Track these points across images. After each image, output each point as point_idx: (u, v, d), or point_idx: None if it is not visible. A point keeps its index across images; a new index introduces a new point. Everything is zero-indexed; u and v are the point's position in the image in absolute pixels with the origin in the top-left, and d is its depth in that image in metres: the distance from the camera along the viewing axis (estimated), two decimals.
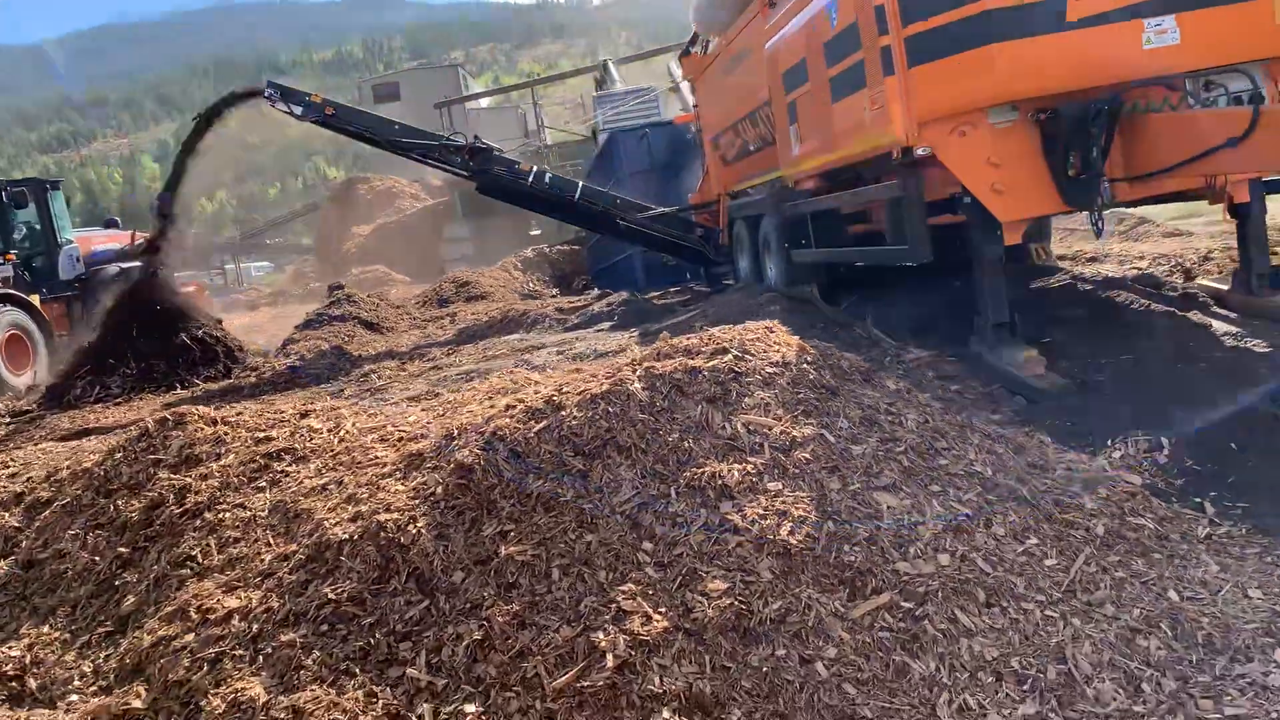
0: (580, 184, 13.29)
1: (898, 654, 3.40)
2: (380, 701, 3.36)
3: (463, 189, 40.49)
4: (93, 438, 8.28)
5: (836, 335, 7.35)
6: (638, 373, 4.32)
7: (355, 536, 3.93)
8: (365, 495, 4.19)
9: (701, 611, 3.46)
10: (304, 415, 5.43)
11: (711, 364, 4.32)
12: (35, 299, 15.09)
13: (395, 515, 3.94)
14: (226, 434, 5.21)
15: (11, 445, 9.02)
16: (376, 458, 4.57)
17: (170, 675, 3.72)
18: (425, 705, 3.34)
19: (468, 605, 3.63)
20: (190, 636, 3.87)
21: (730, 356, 4.37)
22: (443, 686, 3.39)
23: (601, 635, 3.40)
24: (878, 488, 3.94)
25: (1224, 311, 6.81)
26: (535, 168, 12.92)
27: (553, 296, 18.35)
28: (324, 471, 4.66)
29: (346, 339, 12.70)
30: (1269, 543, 4.22)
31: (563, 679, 3.30)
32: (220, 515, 4.59)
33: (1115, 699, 3.28)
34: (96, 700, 3.85)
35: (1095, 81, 5.93)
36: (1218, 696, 3.26)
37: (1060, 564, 3.83)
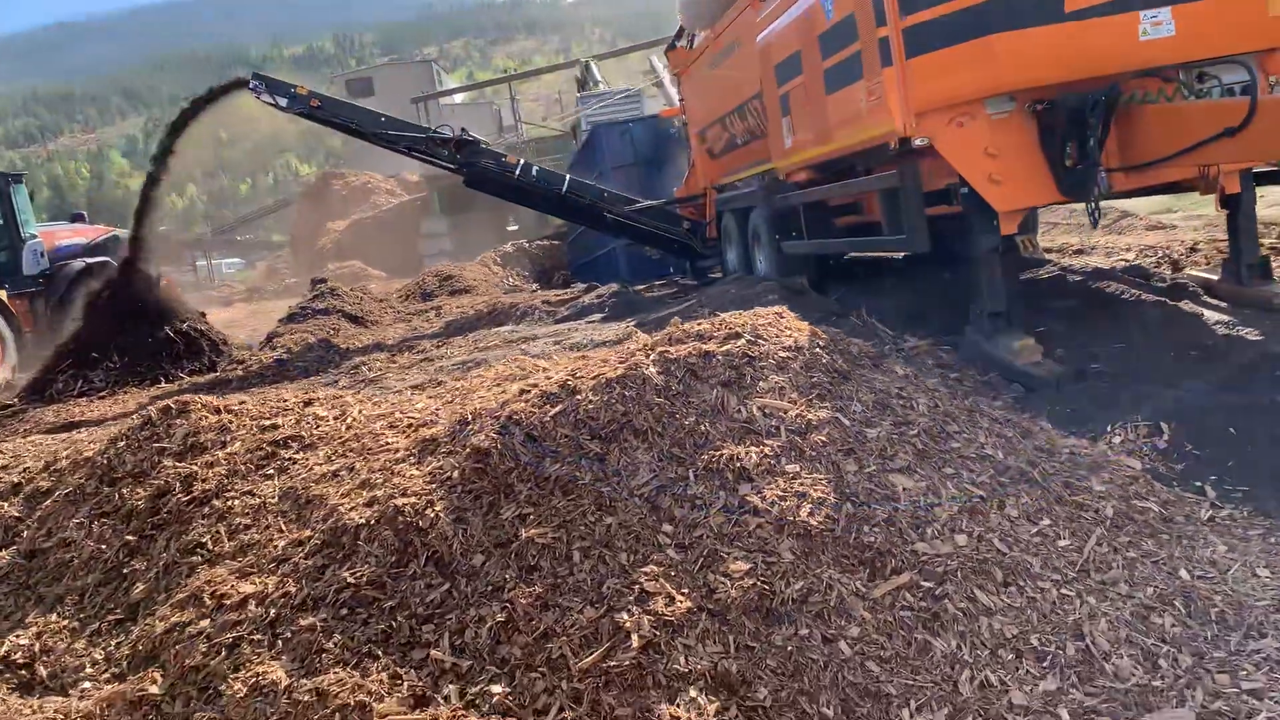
0: (567, 177, 13.29)
1: (919, 632, 3.44)
2: (405, 683, 3.36)
3: (440, 184, 40.50)
4: (83, 430, 8.20)
5: (833, 324, 7.39)
6: (652, 357, 4.33)
7: (372, 521, 3.92)
8: (380, 480, 4.18)
9: (724, 592, 3.48)
10: (308, 403, 5.40)
11: (725, 348, 4.34)
12: (2, 294, 14.84)
13: (412, 500, 3.94)
14: (231, 422, 5.18)
15: None
16: (388, 444, 4.56)
17: (187, 660, 3.70)
18: (451, 686, 3.34)
19: (489, 587, 3.63)
20: (205, 622, 3.84)
21: (743, 341, 4.40)
22: (467, 668, 3.39)
23: (625, 616, 3.42)
24: (893, 470, 3.98)
25: (1214, 301, 6.91)
26: (522, 160, 12.90)
27: (533, 291, 18.32)
28: (334, 458, 4.64)
29: (332, 332, 12.63)
30: (1271, 524, 4.29)
31: (588, 659, 3.32)
32: (229, 502, 4.56)
33: (1134, 674, 3.34)
34: (110, 687, 3.81)
35: (1092, 72, 6.00)
36: (1233, 671, 3.33)
37: (1073, 544, 3.89)
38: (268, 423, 5.14)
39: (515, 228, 38.91)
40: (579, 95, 27.70)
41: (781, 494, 3.77)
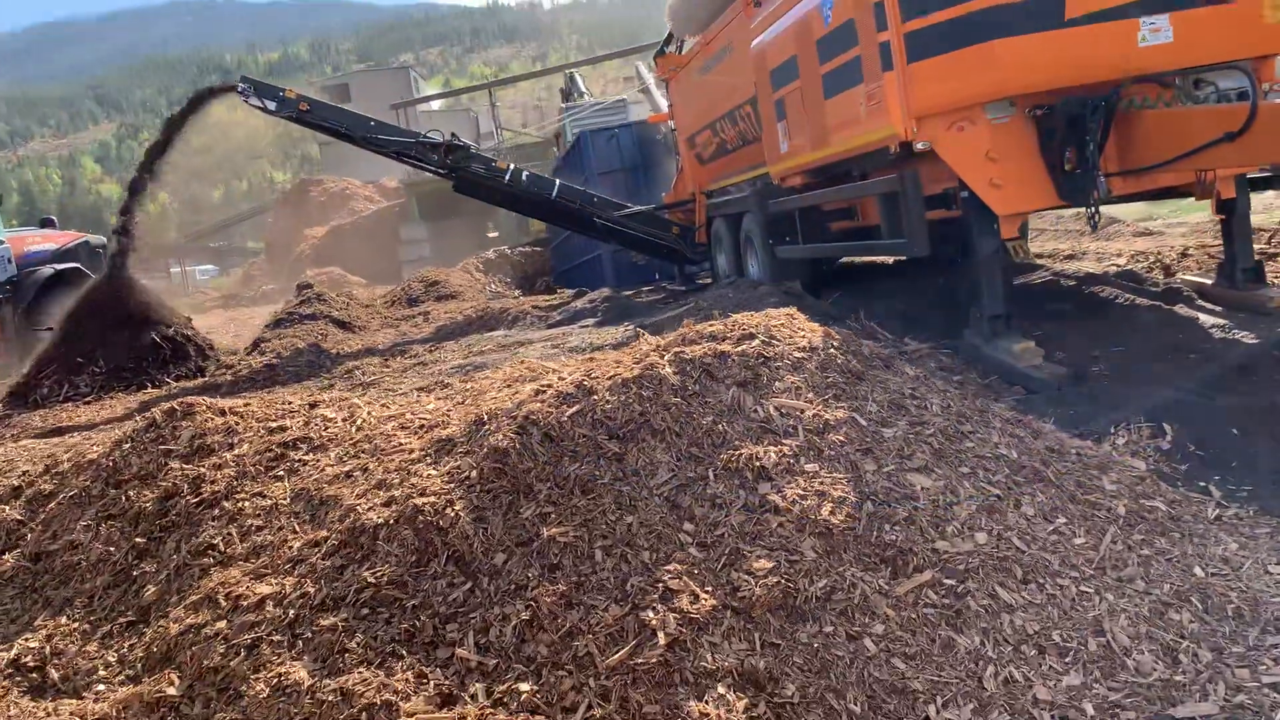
0: (557, 182, 13.29)
1: (943, 629, 3.47)
2: (431, 682, 3.35)
3: (419, 190, 40.42)
4: (76, 434, 8.12)
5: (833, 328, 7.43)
6: (667, 357, 4.34)
7: (391, 521, 3.91)
8: (397, 481, 4.16)
9: (748, 590, 3.49)
10: (314, 405, 5.38)
11: (740, 349, 4.36)
12: None
13: (431, 499, 3.93)
14: (237, 424, 5.15)
15: None
16: (401, 445, 4.55)
17: (205, 662, 3.67)
18: (478, 685, 3.33)
19: (512, 586, 3.62)
20: (222, 624, 3.81)
21: (758, 342, 4.42)
22: (493, 666, 3.39)
23: (651, 614, 3.42)
24: (911, 469, 4.01)
25: (1209, 305, 6.99)
26: (512, 165, 12.89)
27: (516, 297, 18.29)
28: (346, 459, 4.62)
29: (320, 337, 12.56)
30: (1277, 523, 4.34)
31: (615, 657, 3.32)
32: (239, 504, 4.53)
33: (1155, 669, 3.37)
34: (126, 689, 3.78)
35: (1092, 78, 6.06)
36: (1253, 666, 3.37)
37: (1089, 542, 3.92)
38: (275, 424, 5.11)
39: (495, 234, 38.84)
40: (563, 105, 27.71)
41: (802, 493, 3.79)
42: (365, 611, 3.67)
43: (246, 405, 5.40)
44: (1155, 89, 6.14)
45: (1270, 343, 6.10)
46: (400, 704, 3.26)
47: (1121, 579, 3.77)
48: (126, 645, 4.09)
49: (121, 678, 3.92)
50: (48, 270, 15.74)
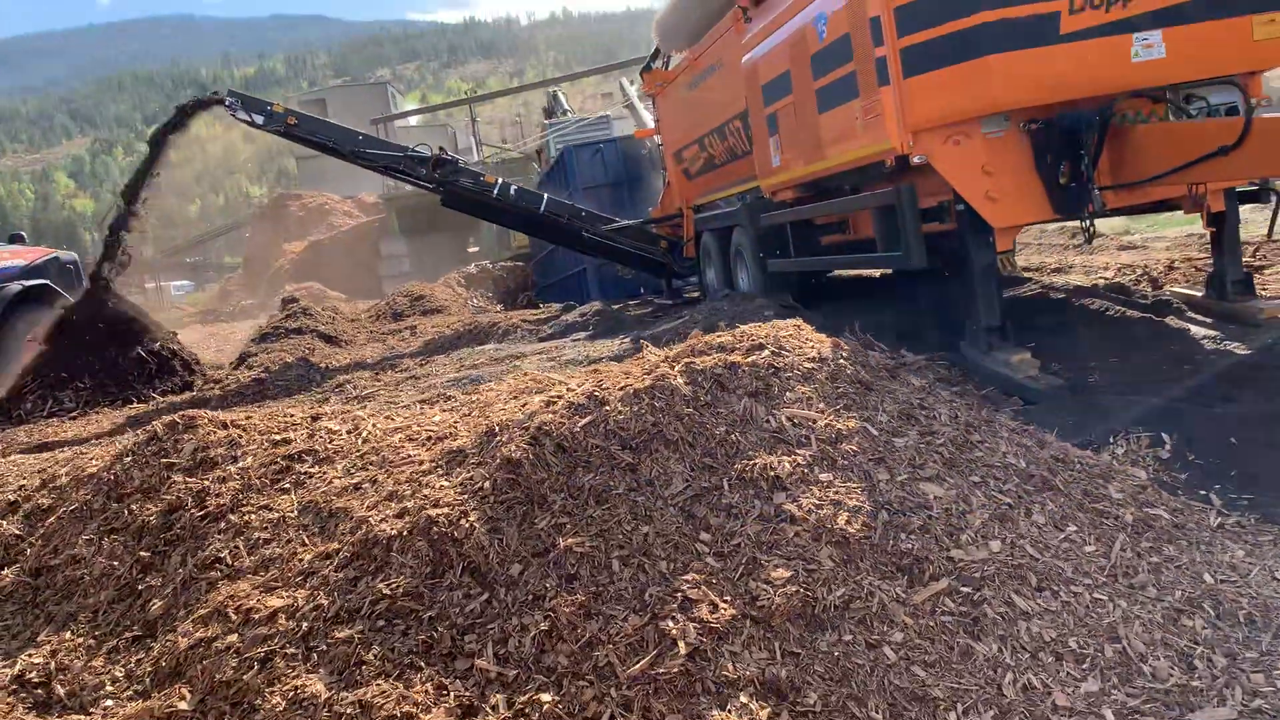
0: (545, 196, 13.30)
1: (961, 636, 3.49)
2: (451, 693, 3.33)
3: (399, 205, 40.38)
4: (65, 450, 8.02)
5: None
6: (678, 368, 4.36)
7: (405, 532, 3.89)
8: (408, 492, 4.15)
9: (767, 599, 3.50)
10: (316, 418, 5.35)
11: (750, 359, 4.38)
12: None
13: (445, 510, 3.91)
14: (240, 437, 5.11)
15: None
16: (409, 456, 4.53)
17: (217, 676, 3.64)
18: (498, 695, 3.32)
19: (530, 597, 3.62)
20: (233, 637, 3.78)
21: (767, 352, 4.44)
22: (514, 677, 3.37)
23: (670, 623, 3.42)
24: (923, 478, 4.03)
25: (1199, 316, 7.08)
26: (500, 180, 12.89)
27: (497, 312, 18.27)
28: (353, 471, 4.60)
29: (307, 351, 12.48)
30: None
31: (636, 666, 3.32)
32: (246, 517, 4.50)
33: (1172, 675, 3.40)
34: (135, 704, 3.74)
35: (1086, 93, 6.15)
36: (1268, 671, 3.40)
37: (1099, 550, 3.96)
38: (279, 437, 5.08)
39: (475, 249, 38.84)
40: (546, 122, 27.80)
41: (817, 502, 3.81)
42: (381, 623, 3.65)
43: (248, 418, 5.37)
44: (1148, 103, 6.23)
45: (1262, 353, 6.18)
46: (421, 716, 3.25)
47: (1133, 586, 3.80)
48: (134, 660, 4.04)
49: (130, 693, 3.87)
50: (16, 287, 15.45)
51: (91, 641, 4.24)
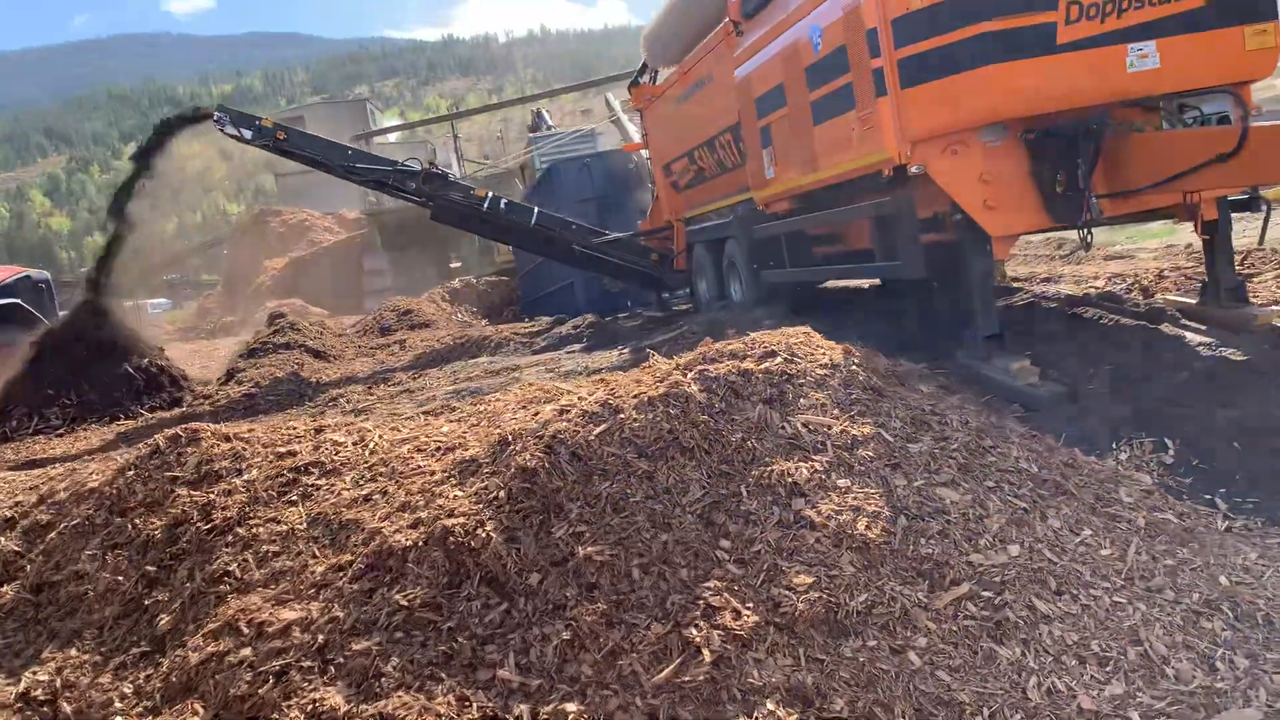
0: (535, 209, 13.29)
1: (984, 641, 3.48)
2: (474, 704, 3.30)
3: (382, 220, 40.28)
4: (56, 466, 7.92)
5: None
6: (691, 375, 4.35)
7: (420, 543, 3.86)
8: (422, 503, 4.11)
9: (790, 606, 3.49)
10: (320, 430, 5.30)
11: (764, 366, 4.38)
12: None
13: (461, 520, 3.88)
14: (244, 449, 5.06)
15: None
16: (419, 467, 4.50)
17: (231, 691, 3.59)
18: (522, 706, 3.29)
19: (550, 606, 3.59)
20: (246, 651, 3.73)
21: (780, 359, 4.44)
22: (536, 687, 3.35)
23: (694, 631, 3.41)
24: (939, 484, 4.03)
25: (1193, 324, 7.12)
26: (490, 193, 12.88)
27: (484, 326, 18.22)
28: (362, 483, 4.56)
29: (297, 366, 12.40)
30: None
31: (661, 675, 3.30)
32: (253, 530, 4.44)
33: (1195, 677, 3.40)
34: None
35: (1082, 102, 6.19)
36: None
37: (1115, 553, 3.97)
38: (283, 449, 5.02)
39: (458, 264, 38.79)
40: (531, 136, 27.84)
41: (836, 508, 3.80)
42: (399, 635, 3.61)
43: (251, 431, 5.32)
44: (1141, 113, 6.28)
45: (1258, 358, 6.22)
46: None
47: (1151, 589, 3.81)
48: (143, 676, 3.98)
49: (140, 709, 3.82)
50: None
51: (98, 658, 4.18)
